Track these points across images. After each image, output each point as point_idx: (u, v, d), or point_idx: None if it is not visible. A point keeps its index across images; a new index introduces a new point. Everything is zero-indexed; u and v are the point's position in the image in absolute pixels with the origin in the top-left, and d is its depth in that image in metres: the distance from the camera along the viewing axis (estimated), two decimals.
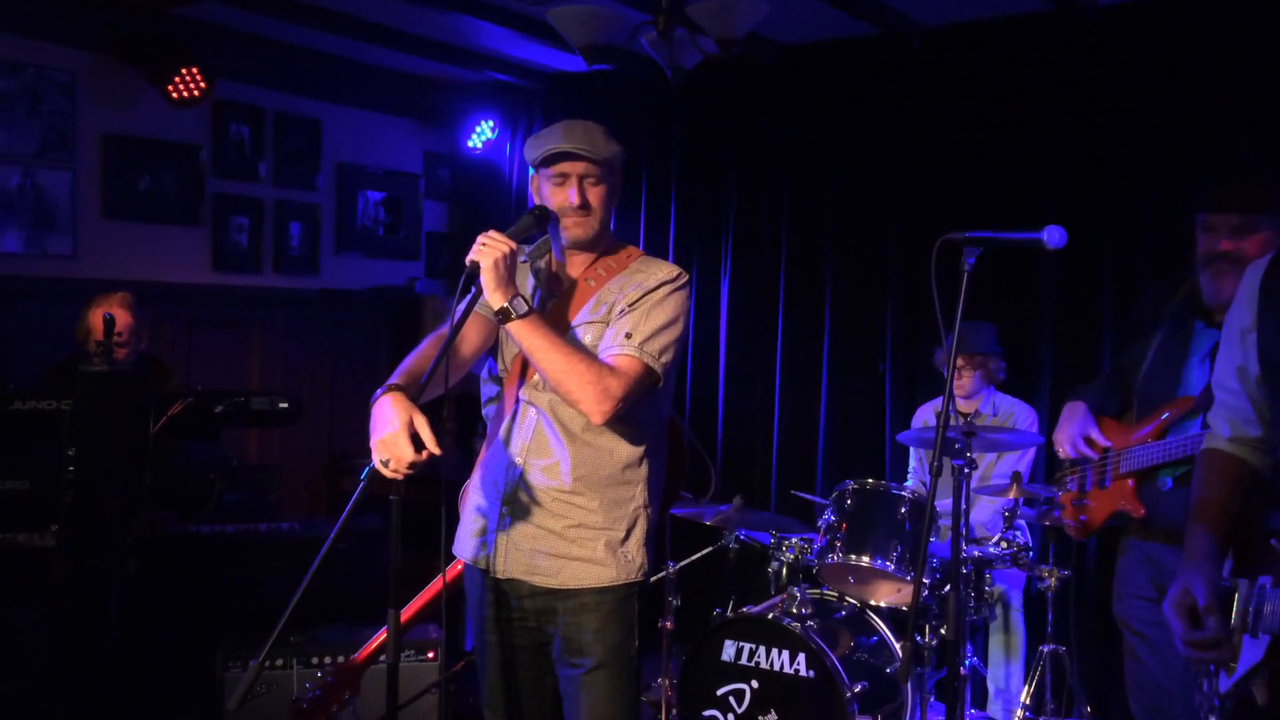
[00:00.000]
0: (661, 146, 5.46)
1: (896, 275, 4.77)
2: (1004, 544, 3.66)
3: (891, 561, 3.51)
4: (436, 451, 2.01)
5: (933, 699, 3.67)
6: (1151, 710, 2.67)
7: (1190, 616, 1.75)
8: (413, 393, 2.09)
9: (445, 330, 2.17)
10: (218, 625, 3.48)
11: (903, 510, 3.57)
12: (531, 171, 2.37)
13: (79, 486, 3.12)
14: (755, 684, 3.45)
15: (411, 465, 2.00)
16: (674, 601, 3.74)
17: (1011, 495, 3.69)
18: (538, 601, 2.32)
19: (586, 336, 2.29)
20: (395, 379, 2.14)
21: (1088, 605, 4.20)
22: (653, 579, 2.42)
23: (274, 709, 3.24)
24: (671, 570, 3.73)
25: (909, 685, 3.45)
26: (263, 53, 5.14)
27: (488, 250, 2.13)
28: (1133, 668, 2.73)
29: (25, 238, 4.50)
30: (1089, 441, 2.79)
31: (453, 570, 2.53)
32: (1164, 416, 2.61)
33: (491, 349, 2.42)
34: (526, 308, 2.15)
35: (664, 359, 2.25)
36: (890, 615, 3.67)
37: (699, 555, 4.00)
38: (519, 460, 2.30)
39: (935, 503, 2.45)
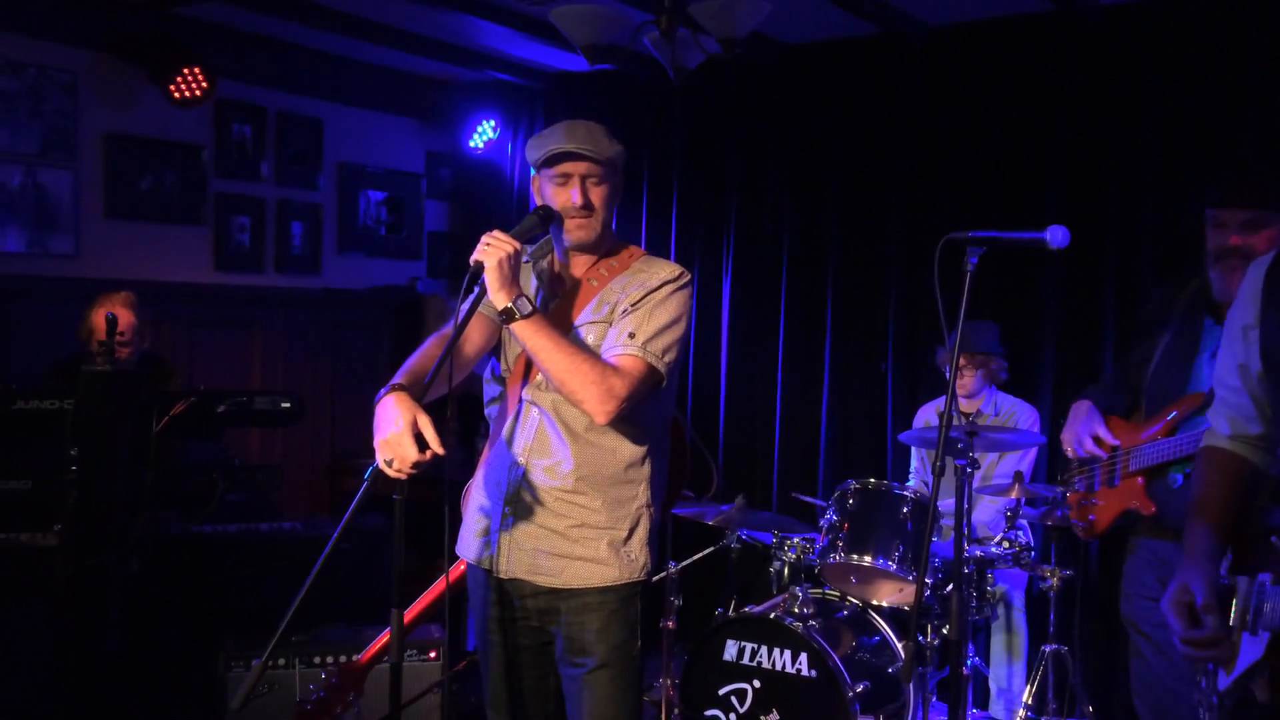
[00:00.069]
0: (663, 146, 5.46)
1: (898, 275, 4.77)
2: (1006, 544, 3.67)
3: (893, 561, 3.51)
4: (440, 451, 2.01)
5: (934, 699, 3.67)
6: (1157, 711, 2.67)
7: (1189, 615, 1.74)
8: (416, 392, 2.09)
9: (448, 330, 2.17)
10: (220, 625, 3.48)
11: (905, 510, 3.57)
12: (533, 172, 2.37)
13: (81, 486, 3.13)
14: (757, 684, 3.45)
15: (415, 465, 2.00)
16: (676, 601, 3.74)
17: (1013, 495, 3.69)
18: (540, 601, 2.32)
19: (589, 336, 2.29)
20: (399, 379, 2.14)
21: (1090, 605, 4.20)
22: (655, 579, 2.42)
23: (276, 708, 3.24)
24: (673, 570, 3.73)
25: (911, 685, 3.46)
26: (264, 52, 5.14)
27: (492, 250, 2.13)
28: (1139, 668, 2.72)
29: (27, 237, 4.51)
30: (1097, 440, 2.78)
31: (455, 570, 2.53)
32: (1173, 414, 2.61)
33: (494, 349, 2.42)
34: (530, 308, 2.15)
35: (667, 358, 2.25)
36: (892, 615, 3.67)
37: (701, 555, 4.00)
38: (521, 460, 2.30)
39: (937, 502, 2.45)
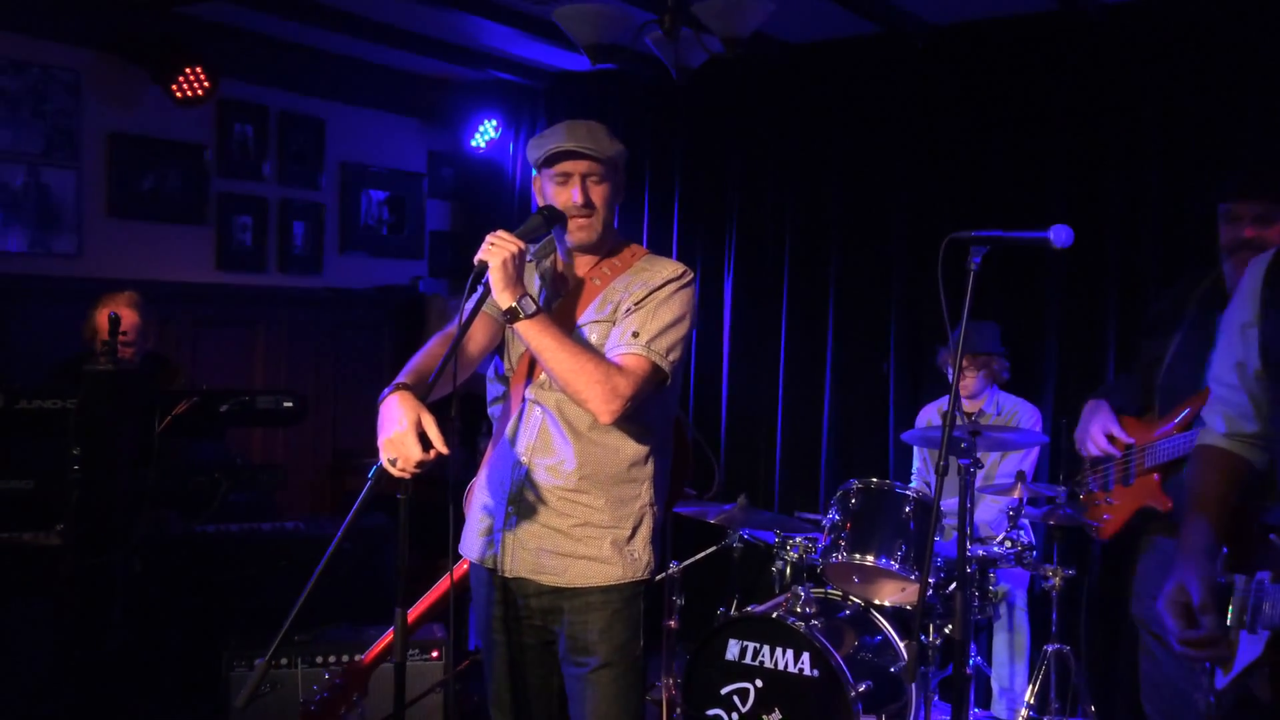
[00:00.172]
0: (665, 145, 5.46)
1: (900, 274, 4.77)
2: (1008, 543, 3.66)
3: (896, 561, 3.51)
4: (444, 451, 2.01)
5: (937, 698, 3.67)
6: (1165, 713, 2.66)
7: (1185, 614, 1.73)
8: (420, 392, 2.09)
9: (452, 329, 2.17)
10: (222, 624, 3.47)
11: (907, 510, 3.57)
12: (534, 172, 2.37)
13: (84, 485, 3.13)
14: (759, 683, 3.45)
15: (419, 464, 2.00)
16: (678, 601, 3.74)
17: (1015, 494, 3.69)
18: (544, 600, 2.32)
19: (593, 335, 2.29)
20: (402, 378, 2.14)
21: (1093, 604, 4.20)
22: (657, 578, 2.42)
23: (279, 708, 3.24)
24: (675, 569, 3.73)
25: (913, 685, 3.45)
26: (267, 52, 5.14)
27: (496, 250, 2.13)
28: (1149, 668, 2.71)
29: (30, 237, 4.51)
30: (1111, 439, 2.78)
31: (459, 569, 2.53)
32: (1187, 410, 2.59)
33: (498, 348, 2.42)
34: (534, 307, 2.14)
35: (671, 357, 2.25)
36: (894, 614, 3.67)
37: (703, 554, 4.00)
38: (524, 459, 2.31)
39: (940, 502, 2.44)
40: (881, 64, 4.79)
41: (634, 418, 2.24)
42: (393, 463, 2.01)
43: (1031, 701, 3.74)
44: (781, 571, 3.87)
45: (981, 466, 3.92)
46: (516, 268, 2.14)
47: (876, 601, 3.67)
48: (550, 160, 2.28)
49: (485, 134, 5.97)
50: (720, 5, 3.59)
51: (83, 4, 4.53)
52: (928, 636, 3.58)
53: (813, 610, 3.51)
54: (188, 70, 4.64)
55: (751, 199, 5.22)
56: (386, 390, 2.10)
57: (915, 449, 4.42)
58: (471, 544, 2.40)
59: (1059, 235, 2.17)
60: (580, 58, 4.16)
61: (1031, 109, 4.42)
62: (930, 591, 3.52)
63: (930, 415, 4.33)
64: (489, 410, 2.49)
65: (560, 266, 2.41)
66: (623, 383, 2.17)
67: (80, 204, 4.65)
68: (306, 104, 5.47)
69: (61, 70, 4.56)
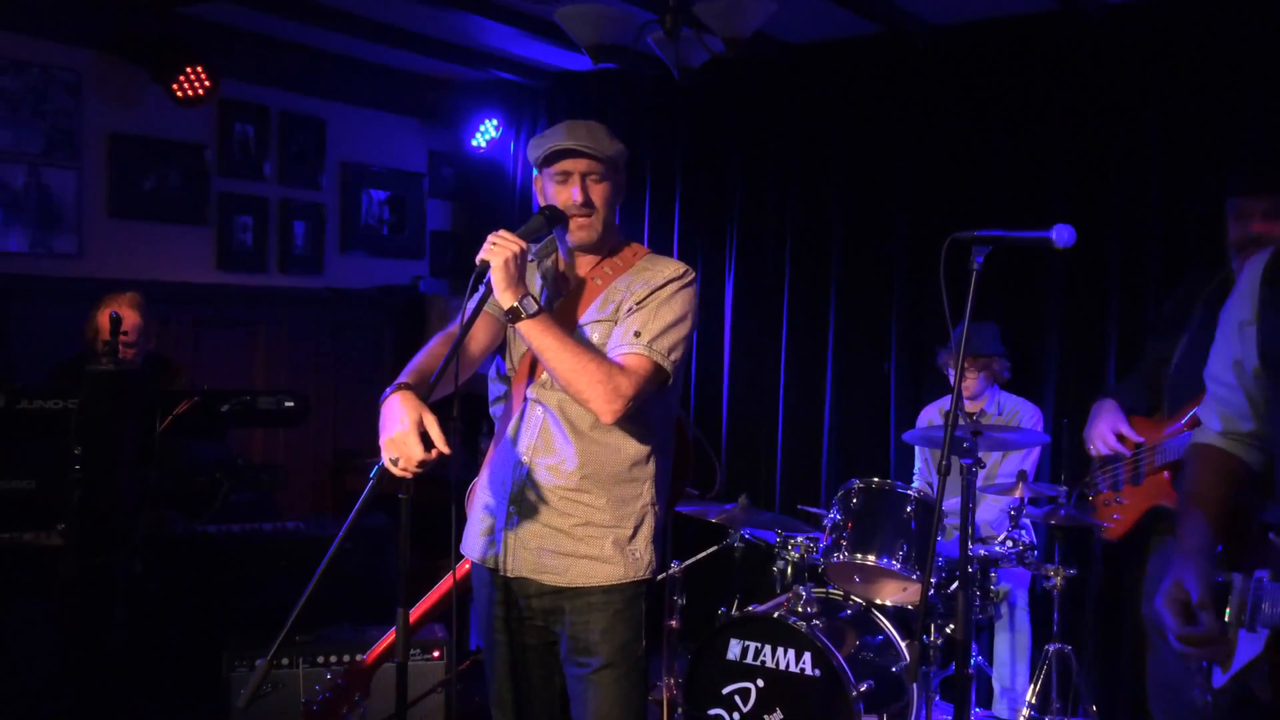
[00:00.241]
0: (666, 145, 5.46)
1: (901, 274, 4.77)
2: (1009, 543, 3.66)
3: (897, 560, 3.51)
4: (446, 450, 2.01)
5: (938, 698, 3.67)
6: (1171, 713, 2.66)
7: (1184, 611, 1.72)
8: (422, 391, 2.09)
9: (454, 329, 2.17)
10: (224, 624, 3.48)
11: (908, 509, 3.57)
12: (535, 172, 2.37)
13: (86, 486, 3.13)
14: (761, 683, 3.45)
15: (421, 464, 2.00)
16: (679, 600, 3.74)
17: (1017, 494, 3.69)
18: (545, 601, 2.32)
19: (594, 335, 2.29)
20: (404, 378, 2.14)
21: (1093, 604, 4.20)
22: (659, 578, 2.41)
23: (281, 708, 3.24)
24: (677, 569, 3.72)
25: (915, 684, 3.45)
26: (267, 51, 5.14)
27: (498, 249, 2.13)
28: (1157, 670, 2.70)
29: (31, 237, 4.50)
30: (1121, 438, 2.77)
31: (460, 569, 2.53)
32: (1197, 409, 2.60)
33: (499, 348, 2.42)
34: (536, 307, 2.14)
35: (673, 356, 2.25)
36: (896, 614, 3.67)
37: (704, 554, 4.00)
38: (526, 459, 2.31)
39: (942, 502, 2.44)
40: (882, 64, 4.78)
41: (635, 417, 2.24)
42: (394, 462, 2.01)
43: (1033, 701, 3.74)
44: (783, 571, 3.87)
45: (983, 466, 3.92)
46: (518, 267, 2.14)
47: (878, 601, 3.67)
48: (550, 159, 2.28)
49: (486, 134, 5.97)
50: (721, 5, 3.59)
51: (83, 4, 4.53)
52: (929, 636, 3.58)
53: (814, 610, 3.50)
54: (188, 70, 4.64)
55: (752, 199, 5.22)
56: (388, 390, 2.10)
57: (917, 449, 4.42)
58: (473, 544, 2.40)
59: (1061, 235, 2.17)
60: (581, 57, 4.16)
61: (1032, 109, 4.42)
62: (931, 591, 3.52)
63: (931, 415, 4.33)
64: (490, 410, 2.49)
65: (562, 266, 2.41)
66: (625, 382, 2.16)
67: (81, 204, 4.65)
68: (307, 104, 5.47)
69: (62, 70, 4.56)
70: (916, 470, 4.45)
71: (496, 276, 2.12)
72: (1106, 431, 2.79)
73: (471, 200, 6.26)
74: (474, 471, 2.49)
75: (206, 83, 4.68)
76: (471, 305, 2.15)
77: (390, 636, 2.96)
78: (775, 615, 3.47)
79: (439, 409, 2.06)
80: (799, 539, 3.84)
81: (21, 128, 4.46)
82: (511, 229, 2.18)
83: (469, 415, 4.94)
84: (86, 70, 4.64)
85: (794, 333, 5.09)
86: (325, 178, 5.59)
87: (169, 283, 4.89)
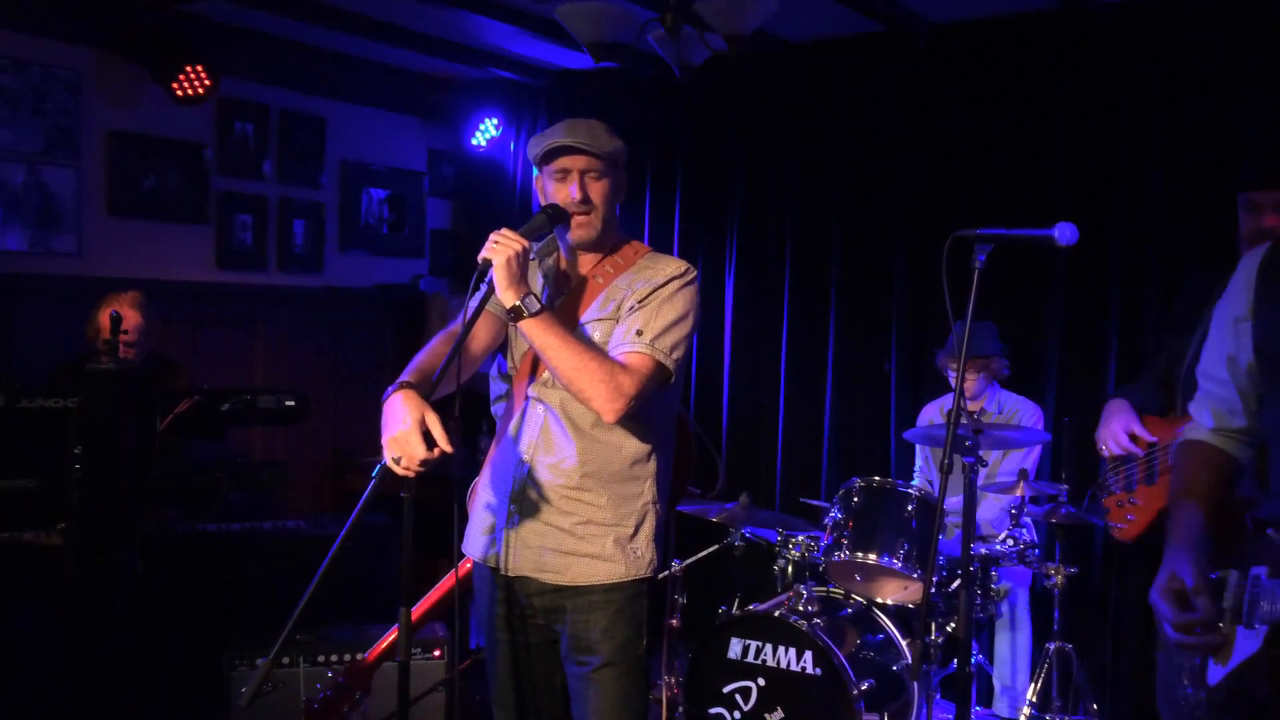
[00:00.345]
0: (667, 144, 5.45)
1: (902, 272, 4.77)
2: (1010, 541, 3.66)
3: (898, 559, 3.50)
4: (448, 449, 2.01)
5: (939, 696, 3.67)
6: (1178, 714, 2.65)
7: (1180, 600, 1.71)
8: (424, 390, 2.09)
9: (455, 327, 2.17)
10: (225, 623, 3.48)
11: (909, 508, 3.57)
12: (536, 172, 2.37)
13: (86, 485, 3.13)
14: (762, 681, 3.45)
15: (423, 463, 2.00)
16: (680, 599, 3.74)
17: (1018, 492, 3.69)
18: (546, 599, 2.32)
19: (595, 333, 2.29)
20: (406, 376, 2.14)
21: (1094, 602, 4.20)
22: (659, 576, 2.41)
23: (282, 707, 3.24)
24: (677, 568, 3.72)
25: (916, 683, 3.45)
26: (267, 50, 5.13)
27: (500, 248, 2.12)
28: (1165, 669, 2.69)
29: (30, 236, 4.50)
30: (1134, 438, 2.76)
31: (462, 568, 2.53)
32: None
33: (501, 346, 2.42)
34: (538, 305, 2.14)
35: (675, 355, 2.25)
36: (896, 613, 3.67)
37: (705, 553, 4.00)
38: (527, 457, 2.30)
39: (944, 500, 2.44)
40: (884, 62, 4.78)
41: (637, 416, 2.24)
42: (397, 461, 2.01)
43: (1033, 699, 3.74)
44: (784, 570, 3.87)
45: (986, 464, 3.92)
46: (520, 266, 2.14)
47: (879, 600, 3.67)
48: (548, 156, 2.29)
49: (486, 132, 5.96)
50: (722, 3, 3.58)
51: (83, 2, 4.52)
52: (930, 635, 3.58)
53: (815, 609, 3.51)
54: (188, 69, 4.63)
55: (753, 197, 5.22)
56: (390, 389, 2.10)
57: (917, 447, 4.42)
58: (474, 543, 2.40)
59: (1064, 233, 2.16)
60: (582, 56, 4.15)
61: (1033, 107, 4.42)
62: (933, 589, 3.52)
63: (932, 414, 4.33)
64: (492, 409, 2.50)
65: (563, 265, 2.41)
66: (627, 381, 2.16)
67: (80, 203, 4.65)
68: (307, 102, 5.46)
69: (62, 69, 4.55)
70: (917, 468, 4.45)
71: (498, 275, 2.12)
72: (1119, 431, 2.78)
73: (471, 199, 6.26)
74: (474, 470, 2.49)
75: (206, 81, 4.67)
76: (473, 304, 2.15)
77: (391, 635, 2.96)
78: (776, 614, 3.47)
79: (439, 408, 2.06)
80: (800, 538, 3.84)
81: (21, 126, 4.45)
82: (512, 228, 2.18)
83: (468, 414, 4.95)
84: (86, 69, 4.63)
85: (794, 331, 5.09)
86: (325, 176, 5.58)
87: (168, 281, 4.88)
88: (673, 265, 2.33)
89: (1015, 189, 4.46)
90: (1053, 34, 4.35)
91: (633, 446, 2.30)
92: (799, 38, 4.92)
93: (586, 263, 2.37)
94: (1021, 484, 3.70)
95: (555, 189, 2.29)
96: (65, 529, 3.17)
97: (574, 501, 2.28)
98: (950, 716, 3.64)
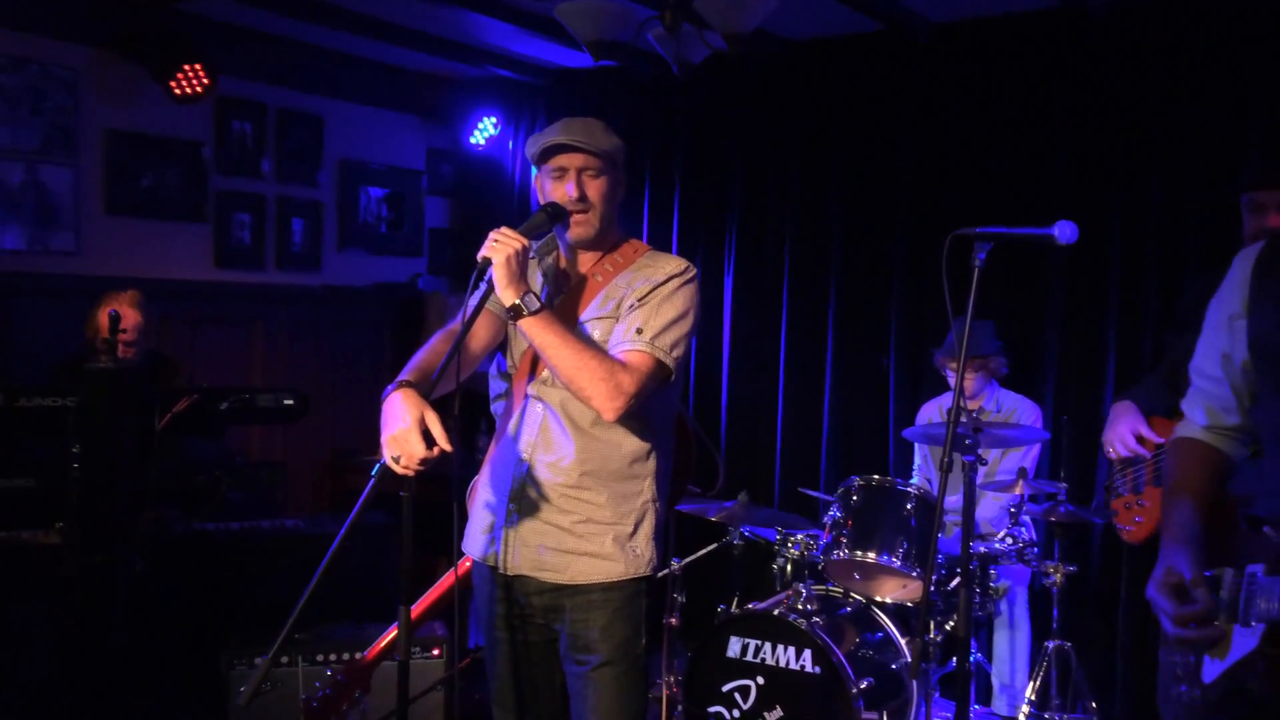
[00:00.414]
0: (666, 142, 5.45)
1: (901, 271, 4.77)
2: (1009, 540, 3.67)
3: (897, 557, 3.51)
4: (448, 448, 2.01)
5: (937, 695, 3.67)
6: (1179, 714, 2.64)
7: (1178, 594, 1.71)
8: (424, 389, 2.09)
9: (455, 326, 2.17)
10: (224, 622, 3.47)
11: (909, 506, 3.57)
12: (534, 171, 2.36)
13: (85, 484, 3.12)
14: (761, 680, 3.45)
15: (423, 461, 2.00)
16: (679, 598, 3.74)
17: (1017, 491, 3.69)
18: (546, 598, 2.32)
19: (595, 332, 2.29)
20: (405, 375, 2.14)
21: (1093, 601, 4.20)
22: (659, 575, 2.41)
23: (281, 707, 3.24)
24: (676, 566, 3.72)
25: (915, 681, 3.45)
26: (265, 49, 5.13)
27: (500, 247, 2.12)
28: (1167, 669, 2.69)
29: (28, 234, 4.49)
30: (1141, 439, 2.76)
31: (461, 566, 2.53)
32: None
33: (500, 345, 2.42)
34: (538, 304, 2.14)
35: (675, 353, 2.25)
36: (896, 611, 3.67)
37: (704, 551, 4.00)
38: (526, 456, 2.30)
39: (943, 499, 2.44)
40: (884, 61, 4.78)
41: (637, 414, 2.23)
42: (396, 460, 2.01)
43: (1032, 698, 3.74)
44: (783, 568, 3.87)
45: (985, 463, 3.92)
46: (520, 264, 2.14)
47: (878, 598, 3.67)
48: (546, 155, 2.29)
49: (485, 131, 5.96)
50: (722, 2, 3.58)
51: (81, 1, 4.52)
52: (929, 633, 3.58)
53: (814, 607, 3.51)
54: (186, 67, 4.63)
55: (753, 196, 5.21)
56: (389, 388, 2.10)
57: (916, 446, 4.42)
58: (473, 541, 2.39)
59: (1064, 232, 2.17)
60: (581, 54, 4.15)
61: (1033, 106, 4.42)
62: (932, 588, 3.52)
63: (931, 412, 4.33)
64: (491, 407, 2.49)
65: (562, 263, 2.41)
66: (627, 379, 2.16)
67: (78, 201, 4.64)
68: (305, 101, 5.46)
69: (60, 67, 4.54)
70: (916, 467, 4.45)
71: (498, 274, 2.12)
72: (1126, 433, 2.79)
73: (470, 198, 6.25)
74: (473, 469, 2.49)
75: (204, 80, 4.67)
76: (473, 302, 2.15)
77: (390, 634, 2.96)
78: (775, 612, 3.47)
79: (439, 407, 2.06)
80: (799, 536, 3.84)
81: (19, 125, 4.44)
82: (511, 226, 2.18)
83: (467, 412, 4.94)
84: (84, 67, 4.63)
85: (793, 330, 5.09)
86: (323, 175, 5.58)
87: (167, 280, 4.88)
88: (673, 263, 2.33)
89: (1015, 188, 4.46)
90: (1053, 34, 4.35)
91: (632, 445, 2.30)
92: (799, 36, 4.91)
93: (586, 261, 2.37)
94: (1020, 482, 3.71)
95: (553, 187, 2.29)
96: (64, 528, 3.17)
97: (573, 500, 2.28)
98: (949, 715, 3.64)
